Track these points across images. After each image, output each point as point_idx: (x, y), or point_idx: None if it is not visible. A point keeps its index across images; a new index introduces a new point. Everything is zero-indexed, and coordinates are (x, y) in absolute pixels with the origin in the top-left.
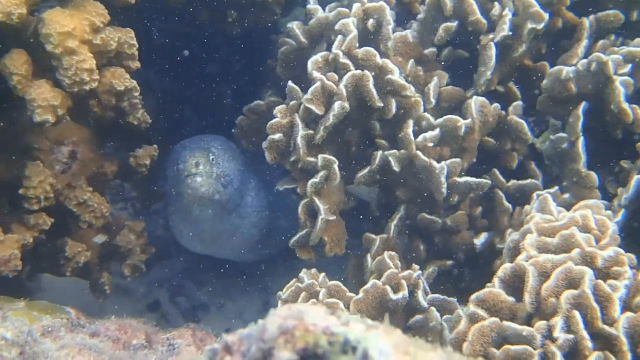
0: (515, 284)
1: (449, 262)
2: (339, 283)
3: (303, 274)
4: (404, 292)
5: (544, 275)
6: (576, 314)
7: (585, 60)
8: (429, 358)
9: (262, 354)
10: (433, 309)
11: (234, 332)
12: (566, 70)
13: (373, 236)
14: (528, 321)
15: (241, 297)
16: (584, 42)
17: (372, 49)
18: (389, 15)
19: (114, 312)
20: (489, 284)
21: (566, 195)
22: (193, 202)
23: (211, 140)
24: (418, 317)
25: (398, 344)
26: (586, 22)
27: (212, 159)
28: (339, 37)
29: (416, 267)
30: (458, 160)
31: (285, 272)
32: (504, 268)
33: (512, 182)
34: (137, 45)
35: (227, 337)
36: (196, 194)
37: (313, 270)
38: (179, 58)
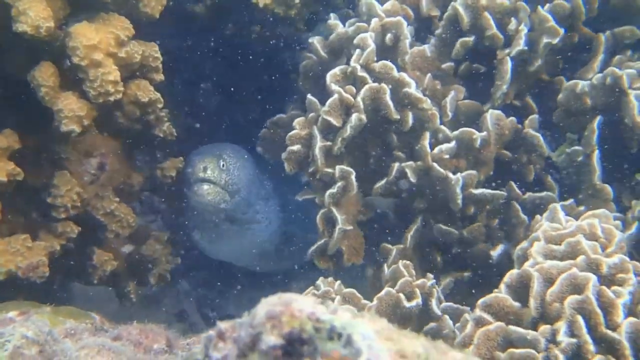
0: (521, 290)
1: (466, 274)
2: (354, 290)
3: (320, 281)
4: (417, 300)
5: (549, 281)
6: (579, 318)
7: (600, 75)
8: (411, 344)
9: (251, 338)
10: (446, 317)
11: (229, 320)
12: (582, 84)
13: (390, 246)
14: (533, 326)
15: None
16: (600, 57)
17: (389, 63)
18: (407, 30)
19: (141, 320)
20: (495, 290)
21: (582, 208)
22: (200, 210)
23: (224, 148)
24: (432, 324)
25: (381, 330)
26: (602, 37)
27: (223, 165)
28: (357, 51)
29: (430, 276)
30: (474, 172)
31: (310, 283)
32: (511, 274)
33: (528, 194)
34: (160, 59)
35: (221, 324)
36: (202, 201)
37: (330, 278)
38: (204, 71)
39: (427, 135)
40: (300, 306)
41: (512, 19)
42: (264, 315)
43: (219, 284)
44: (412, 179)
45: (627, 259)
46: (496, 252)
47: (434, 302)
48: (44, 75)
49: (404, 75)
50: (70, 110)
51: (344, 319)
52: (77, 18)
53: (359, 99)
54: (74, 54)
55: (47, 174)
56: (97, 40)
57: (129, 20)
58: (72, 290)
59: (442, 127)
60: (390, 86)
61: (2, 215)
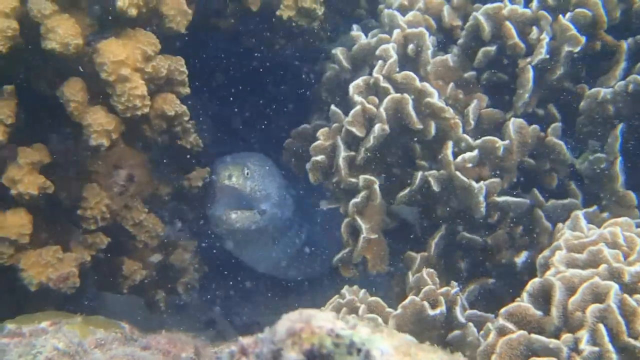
0: (543, 299)
1: (490, 281)
2: (379, 299)
3: (345, 290)
4: (441, 308)
5: (570, 289)
6: (601, 327)
7: (622, 82)
8: (428, 358)
9: (272, 354)
10: (471, 324)
11: (251, 335)
12: (604, 92)
13: (414, 254)
14: (556, 334)
15: None
16: (622, 65)
17: (411, 73)
18: (428, 40)
19: (170, 328)
20: (518, 299)
21: (605, 215)
22: (229, 233)
23: (249, 156)
24: (456, 332)
25: (399, 345)
26: (624, 44)
27: (247, 173)
28: (380, 62)
29: (454, 283)
30: (497, 180)
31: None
32: (533, 283)
33: (552, 201)
34: (186, 72)
35: (243, 339)
36: (232, 229)
37: (355, 287)
38: (229, 83)
39: (450, 144)
40: (320, 322)
41: (534, 28)
42: (285, 332)
43: (246, 291)
44: (436, 188)
45: None
46: (520, 259)
47: (458, 310)
48: (73, 91)
49: (426, 85)
50: (99, 124)
51: (363, 335)
52: (104, 35)
53: (381, 109)
54: (102, 70)
55: (76, 187)
56: (124, 56)
57: (155, 35)
58: (104, 298)
59: (465, 135)
60: (412, 96)
61: (34, 228)
